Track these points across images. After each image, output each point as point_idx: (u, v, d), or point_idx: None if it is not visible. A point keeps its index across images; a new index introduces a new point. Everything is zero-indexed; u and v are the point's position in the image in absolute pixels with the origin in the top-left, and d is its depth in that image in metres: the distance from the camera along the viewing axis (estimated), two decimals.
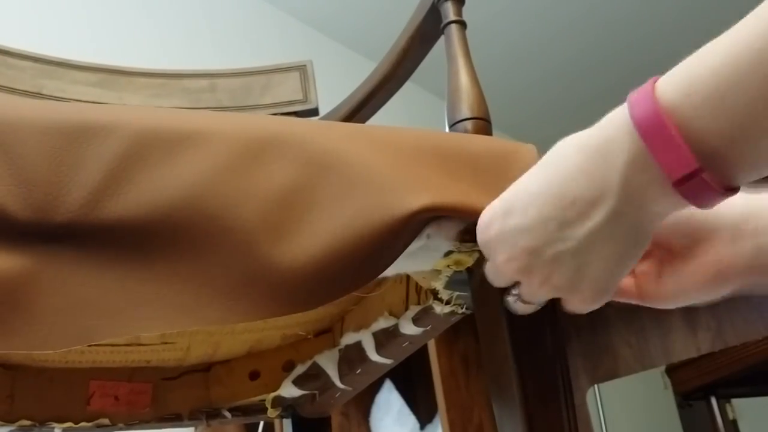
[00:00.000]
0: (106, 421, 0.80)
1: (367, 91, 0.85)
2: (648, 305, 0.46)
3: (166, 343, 0.73)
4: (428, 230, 0.49)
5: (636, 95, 0.36)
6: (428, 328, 0.63)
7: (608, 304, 0.43)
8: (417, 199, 0.46)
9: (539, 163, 0.42)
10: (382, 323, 0.67)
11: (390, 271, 0.49)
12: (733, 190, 0.35)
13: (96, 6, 1.99)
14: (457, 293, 0.56)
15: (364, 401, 1.31)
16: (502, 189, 0.51)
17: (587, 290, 0.41)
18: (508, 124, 3.18)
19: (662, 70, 0.36)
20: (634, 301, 0.46)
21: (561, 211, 0.39)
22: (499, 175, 0.51)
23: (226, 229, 0.44)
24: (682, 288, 0.44)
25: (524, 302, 0.44)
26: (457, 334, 1.29)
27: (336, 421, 1.26)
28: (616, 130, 0.36)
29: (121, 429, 0.82)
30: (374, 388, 1.32)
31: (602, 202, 0.37)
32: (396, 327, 0.65)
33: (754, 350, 1.60)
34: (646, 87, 0.35)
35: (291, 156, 0.47)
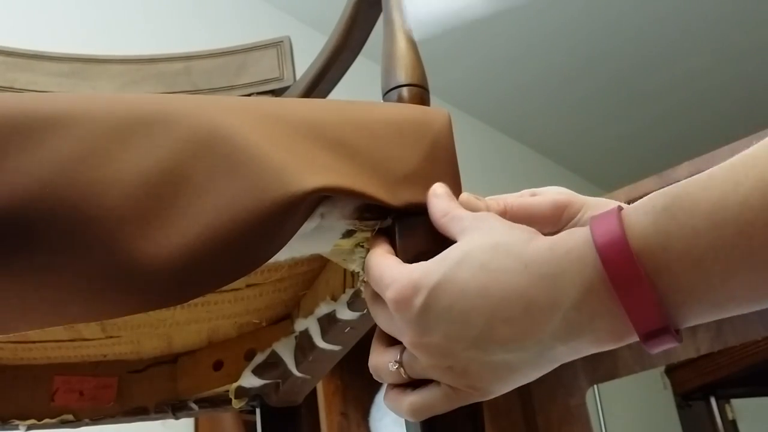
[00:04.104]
0: (70, 417, 0.79)
1: (321, 64, 0.81)
2: None
3: (111, 337, 0.71)
4: (321, 209, 0.45)
5: (604, 237, 0.32)
6: (364, 312, 0.59)
7: None
8: (305, 181, 0.42)
9: (481, 261, 0.36)
10: (324, 308, 0.63)
11: (283, 255, 0.46)
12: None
13: (94, 5, 1.99)
14: None
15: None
16: (404, 163, 0.46)
17: (474, 392, 0.38)
18: (507, 123, 3.12)
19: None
20: None
21: (489, 324, 0.34)
22: (403, 148, 0.46)
23: (87, 220, 0.41)
24: None
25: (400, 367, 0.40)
26: None
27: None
28: (575, 264, 0.33)
29: (86, 425, 0.80)
30: (374, 388, 1.28)
31: (533, 335, 0.34)
32: (334, 312, 0.61)
33: (754, 350, 1.58)
34: (613, 225, 0.32)
35: (164, 136, 0.43)
